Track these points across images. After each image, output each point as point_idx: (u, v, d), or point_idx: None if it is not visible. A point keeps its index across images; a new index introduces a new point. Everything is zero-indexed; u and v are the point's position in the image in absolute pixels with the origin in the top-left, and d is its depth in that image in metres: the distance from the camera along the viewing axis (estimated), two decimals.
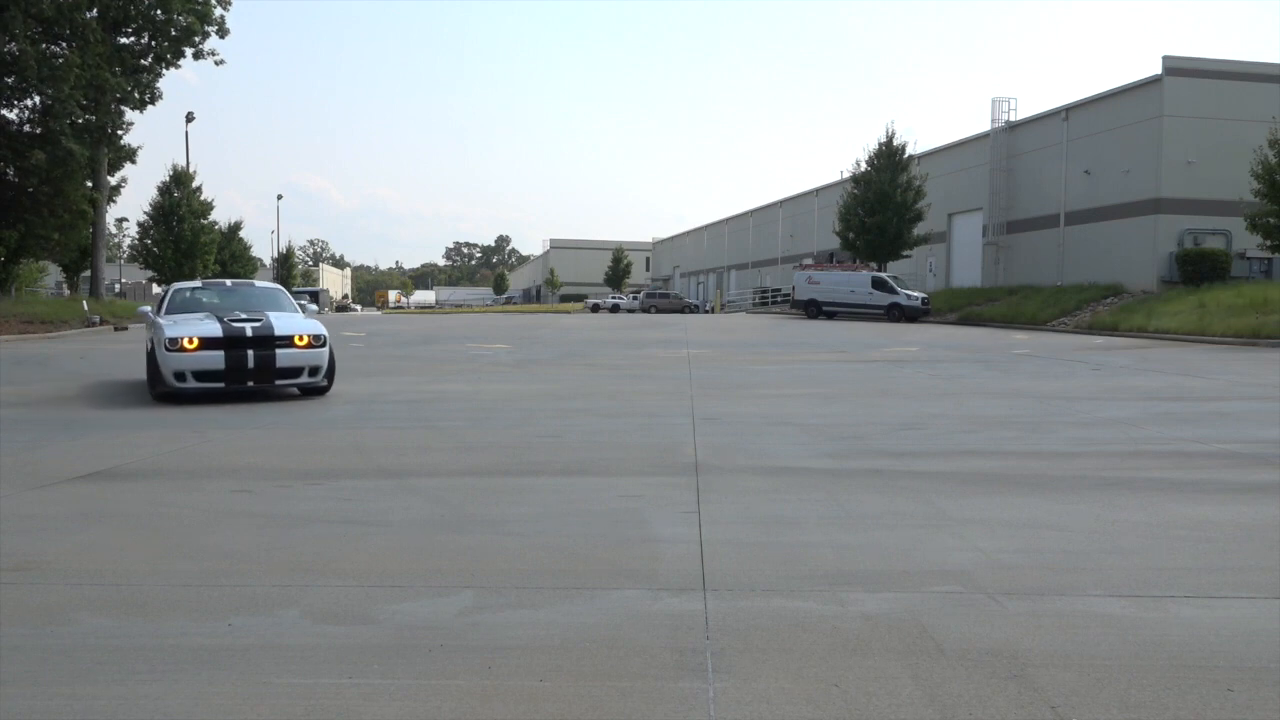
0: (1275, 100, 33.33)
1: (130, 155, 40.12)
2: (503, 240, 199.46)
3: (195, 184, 59.30)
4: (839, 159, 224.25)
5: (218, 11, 39.70)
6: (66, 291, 52.72)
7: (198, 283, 13.29)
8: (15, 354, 20.23)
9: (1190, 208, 34.95)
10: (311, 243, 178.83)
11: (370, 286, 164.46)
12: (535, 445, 7.81)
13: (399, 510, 5.39)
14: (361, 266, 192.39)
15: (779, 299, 56.69)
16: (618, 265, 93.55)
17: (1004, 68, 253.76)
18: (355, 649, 3.27)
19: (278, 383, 11.36)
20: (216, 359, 10.92)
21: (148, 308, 13.16)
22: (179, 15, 37.82)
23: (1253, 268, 34.35)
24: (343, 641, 3.35)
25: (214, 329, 11.13)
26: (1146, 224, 35.61)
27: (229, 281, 13.87)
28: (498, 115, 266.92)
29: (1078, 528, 4.96)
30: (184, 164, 61.20)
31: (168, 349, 10.81)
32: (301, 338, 11.31)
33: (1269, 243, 27.65)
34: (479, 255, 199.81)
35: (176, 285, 13.16)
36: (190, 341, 10.83)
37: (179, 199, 57.88)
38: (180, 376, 10.84)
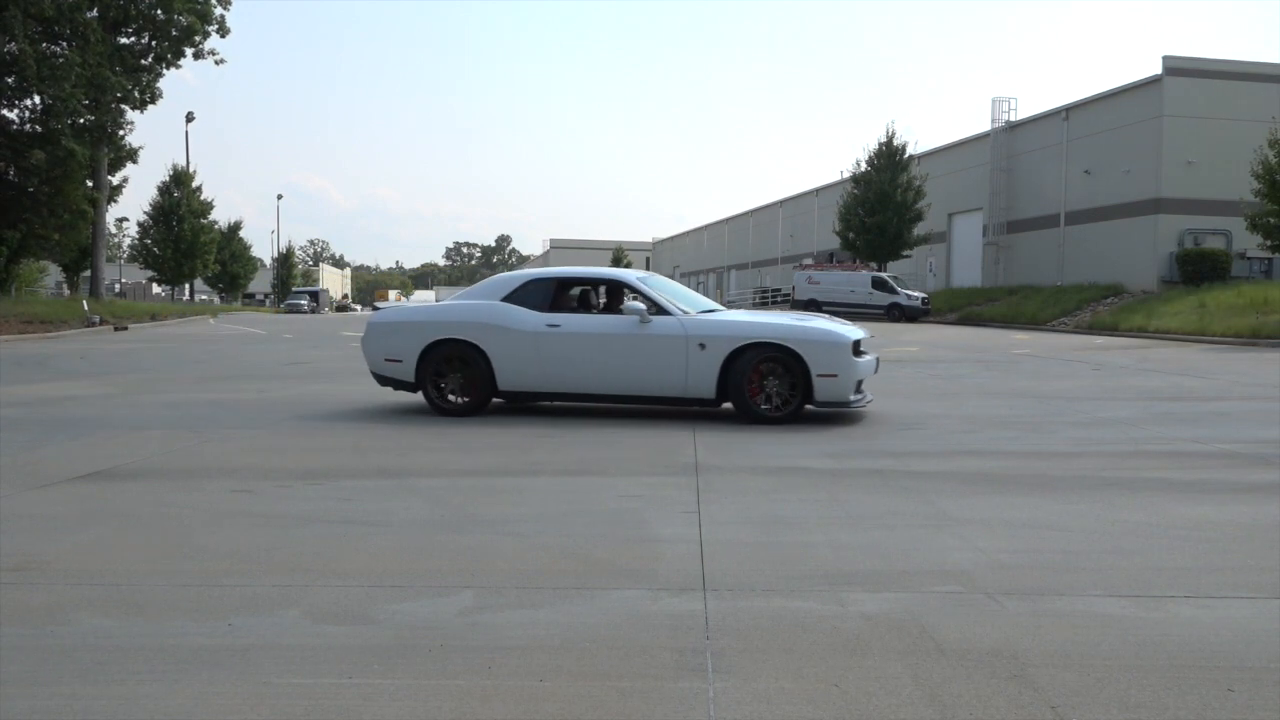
0: (1275, 100, 33.35)
1: (131, 155, 40.18)
2: (503, 240, 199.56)
3: (195, 184, 59.43)
4: (839, 159, 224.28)
5: (218, 11, 39.76)
6: (66, 291, 52.77)
7: (641, 273, 10.30)
8: (15, 354, 20.24)
9: (1190, 208, 34.97)
10: (312, 242, 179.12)
11: (370, 286, 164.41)
12: (535, 445, 7.81)
13: (399, 510, 5.39)
14: (361, 266, 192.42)
15: (779, 299, 56.71)
16: (618, 265, 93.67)
17: (1004, 68, 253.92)
18: (355, 649, 3.27)
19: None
20: (871, 365, 9.38)
21: (496, 301, 9.65)
22: (179, 15, 37.85)
23: (1253, 268, 34.39)
24: (343, 641, 3.35)
25: (852, 329, 9.38)
26: (1146, 224, 35.62)
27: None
28: (498, 115, 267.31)
29: (1078, 528, 4.96)
30: (184, 164, 61.38)
31: (854, 353, 8.93)
32: None
33: (1269, 243, 27.68)
34: (479, 255, 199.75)
35: (639, 274, 9.98)
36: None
37: (179, 199, 58.03)
38: (858, 386, 9.08)
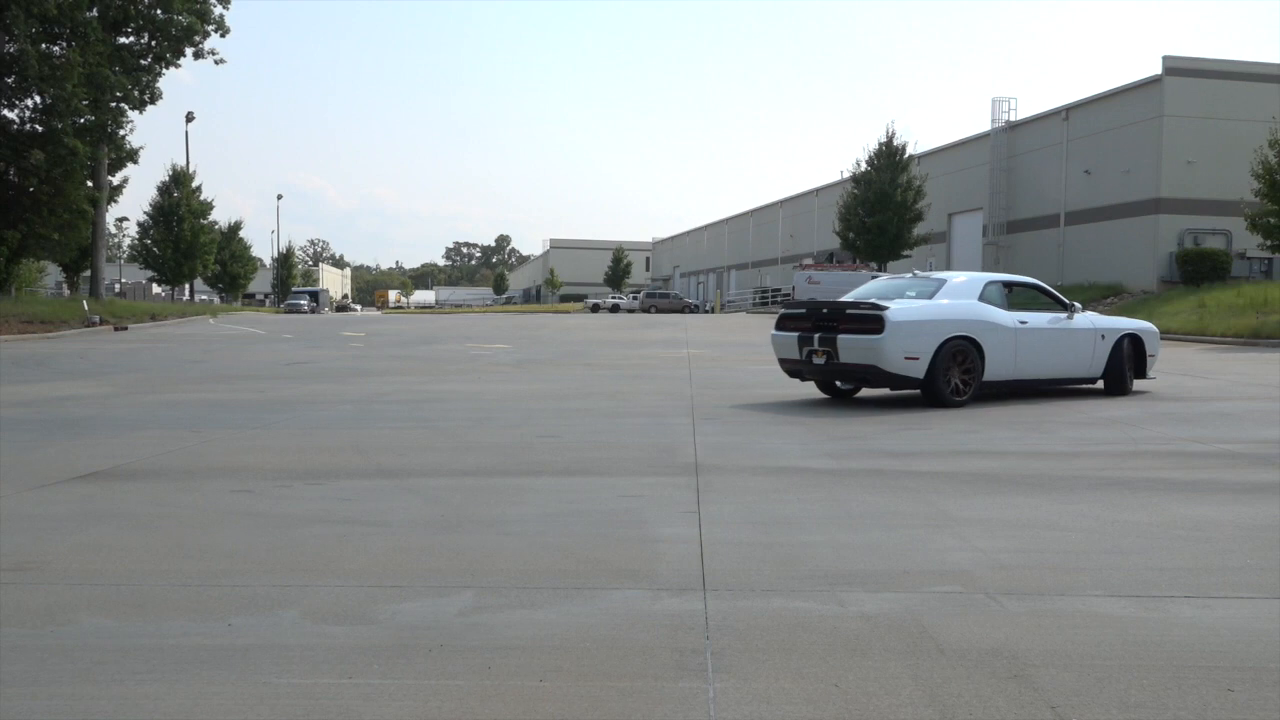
0: (1275, 100, 33.35)
1: (131, 155, 40.16)
2: (503, 240, 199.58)
3: (195, 184, 59.39)
4: (839, 159, 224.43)
5: (217, 10, 39.74)
6: (66, 291, 52.78)
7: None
8: (15, 354, 20.24)
9: (1190, 208, 34.97)
10: (312, 242, 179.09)
11: (370, 286, 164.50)
12: (535, 445, 7.81)
13: (399, 510, 5.39)
14: (361, 266, 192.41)
15: (779, 299, 56.68)
16: (618, 265, 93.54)
17: (1004, 68, 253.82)
18: (355, 649, 3.27)
19: None
20: None
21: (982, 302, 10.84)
22: (179, 15, 37.82)
23: (1253, 268, 34.38)
24: (343, 641, 3.34)
25: None
26: (1146, 224, 35.62)
27: None
28: (498, 115, 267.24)
29: (1078, 528, 4.96)
30: (184, 164, 61.30)
31: None
32: None
33: (1269, 243, 27.67)
34: (479, 255, 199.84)
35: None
36: None
37: (179, 199, 58.01)
38: None
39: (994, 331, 10.53)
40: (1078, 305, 11.64)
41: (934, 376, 10.18)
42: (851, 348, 10.15)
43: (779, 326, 11.26)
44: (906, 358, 10.05)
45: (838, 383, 11.33)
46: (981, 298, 10.87)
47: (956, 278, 11.34)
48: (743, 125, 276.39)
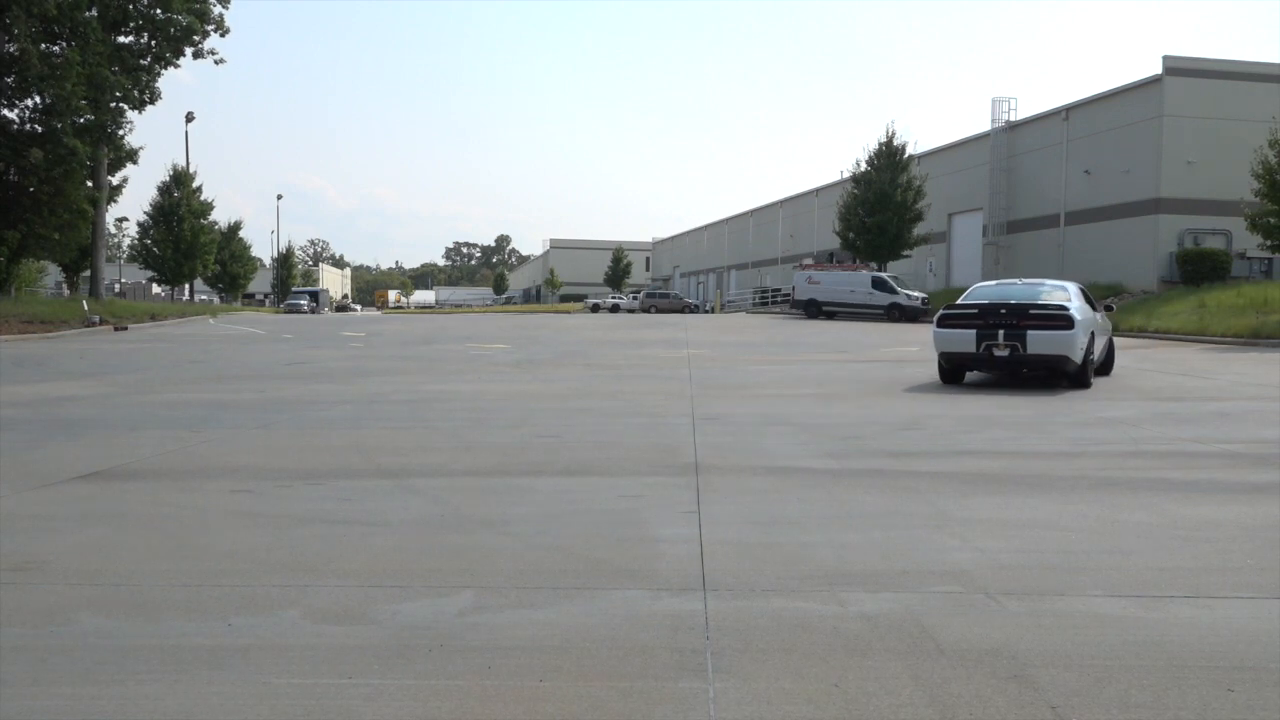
0: (1275, 100, 33.33)
1: (131, 155, 40.10)
2: (503, 240, 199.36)
3: (195, 184, 59.38)
4: (839, 159, 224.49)
5: (217, 10, 39.68)
6: (66, 291, 52.74)
7: None
8: (15, 354, 20.23)
9: (1190, 208, 34.97)
10: (312, 242, 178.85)
11: (370, 286, 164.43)
12: (535, 445, 7.81)
13: (399, 510, 5.39)
14: (361, 266, 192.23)
15: (779, 299, 56.67)
16: (618, 265, 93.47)
17: (1004, 68, 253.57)
18: (355, 649, 3.27)
19: None
20: None
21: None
22: (178, 15, 37.78)
23: (1253, 268, 34.37)
24: (343, 641, 3.35)
25: None
26: (1146, 224, 35.62)
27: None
28: (497, 115, 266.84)
29: (1078, 528, 4.96)
30: (184, 164, 61.28)
31: None
32: None
33: (1269, 243, 27.66)
34: (479, 255, 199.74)
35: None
36: None
37: (179, 199, 58.00)
38: None
39: (1097, 328, 13.24)
40: (1114, 306, 14.51)
41: (1085, 363, 12.56)
42: (1043, 341, 12.20)
43: (944, 325, 12.99)
44: (1080, 348, 12.30)
45: (969, 370, 13.41)
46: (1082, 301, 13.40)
47: (1071, 285, 13.89)
48: (743, 125, 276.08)
